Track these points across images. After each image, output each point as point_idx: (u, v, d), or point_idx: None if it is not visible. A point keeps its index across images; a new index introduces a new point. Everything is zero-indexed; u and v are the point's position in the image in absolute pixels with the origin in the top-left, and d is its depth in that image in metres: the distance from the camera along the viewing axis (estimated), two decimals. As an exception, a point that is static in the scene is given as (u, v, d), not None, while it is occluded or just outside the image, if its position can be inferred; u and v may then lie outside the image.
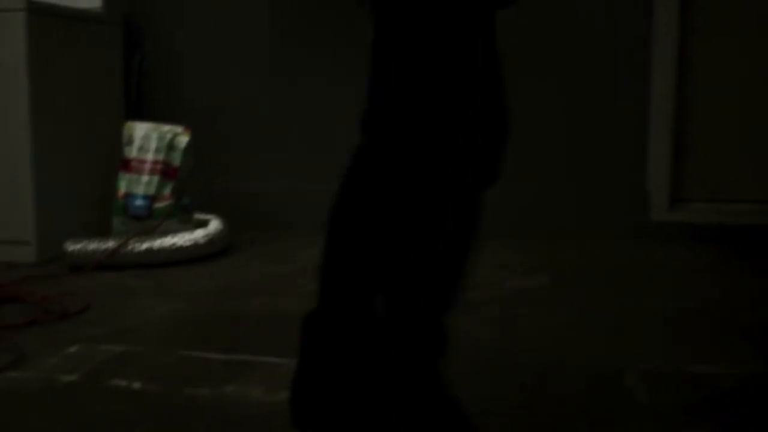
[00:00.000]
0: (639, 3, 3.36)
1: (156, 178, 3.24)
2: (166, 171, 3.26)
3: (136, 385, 1.90)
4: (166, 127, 3.32)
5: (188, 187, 3.34)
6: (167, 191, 3.24)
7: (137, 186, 3.23)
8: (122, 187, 3.24)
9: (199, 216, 3.36)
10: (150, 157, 3.26)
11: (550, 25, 3.43)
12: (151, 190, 3.22)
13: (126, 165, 3.27)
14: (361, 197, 1.59)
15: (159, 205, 3.22)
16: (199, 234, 3.18)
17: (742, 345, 2.15)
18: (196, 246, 3.14)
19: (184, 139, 3.30)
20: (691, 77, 3.42)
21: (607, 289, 2.72)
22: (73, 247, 3.06)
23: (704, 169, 3.46)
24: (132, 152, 3.27)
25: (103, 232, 3.23)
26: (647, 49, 3.38)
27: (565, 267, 3.02)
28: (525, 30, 3.41)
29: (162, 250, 3.09)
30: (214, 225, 3.27)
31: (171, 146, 3.28)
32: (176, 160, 3.28)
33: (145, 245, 3.08)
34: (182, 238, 3.13)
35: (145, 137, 3.28)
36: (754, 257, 3.13)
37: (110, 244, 3.06)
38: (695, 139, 3.45)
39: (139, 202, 3.21)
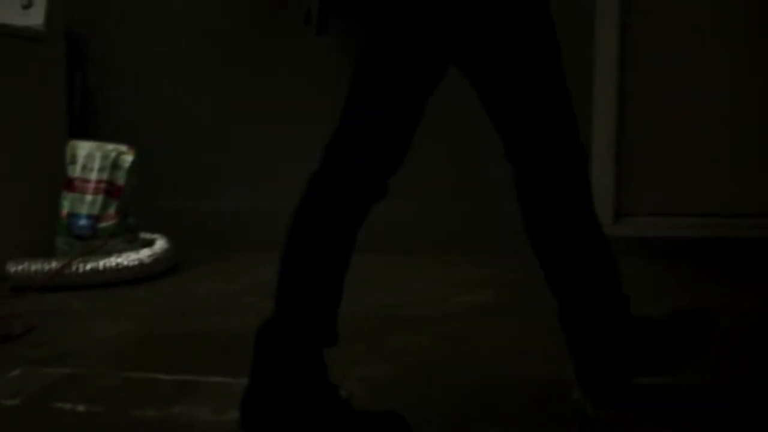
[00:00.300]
0: (580, 26, 3.42)
1: (100, 198, 3.20)
2: (110, 190, 3.22)
3: (81, 408, 1.87)
4: (110, 146, 3.28)
5: (133, 206, 3.31)
6: (111, 210, 3.21)
7: (81, 205, 3.19)
8: (65, 207, 3.19)
9: (145, 235, 3.33)
10: (94, 176, 3.22)
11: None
12: (95, 210, 3.18)
13: (69, 184, 3.22)
14: (317, 214, 1.62)
15: (103, 224, 3.18)
16: (144, 253, 3.14)
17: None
18: (141, 266, 3.11)
19: (128, 158, 3.27)
20: (633, 90, 3.48)
21: (553, 304, 2.74)
22: (15, 268, 3.00)
23: (647, 183, 3.51)
24: (75, 171, 3.23)
25: (47, 253, 3.17)
26: (588, 64, 3.43)
27: (510, 283, 3.04)
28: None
29: (107, 270, 3.05)
30: (160, 244, 3.24)
31: (115, 165, 3.25)
32: (120, 179, 3.25)
33: (89, 265, 3.04)
34: (127, 258, 3.10)
35: (89, 156, 3.24)
36: (698, 270, 3.18)
37: (54, 264, 3.02)
38: (638, 153, 3.51)
39: (82, 222, 3.17)
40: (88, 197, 3.20)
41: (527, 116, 1.72)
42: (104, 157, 3.24)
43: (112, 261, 3.06)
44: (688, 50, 3.45)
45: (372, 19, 1.71)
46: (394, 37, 1.65)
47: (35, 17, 3.38)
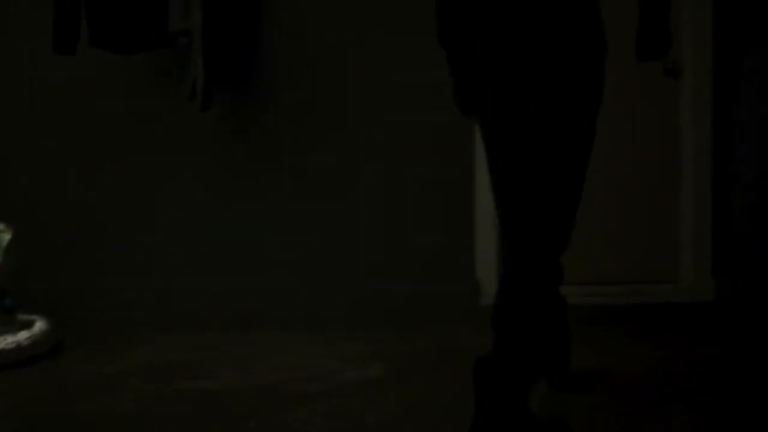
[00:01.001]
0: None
1: (-25, 278, 3.08)
2: (-14, 270, 3.11)
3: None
4: (-13, 225, 3.18)
5: (11, 287, 3.19)
6: (-13, 291, 3.09)
7: (-46, 287, 3.06)
8: (-63, 289, 3.06)
9: (23, 317, 3.21)
10: (-32, 255, 3.11)
11: (375, 121, 3.55)
12: (-30, 291, 3.06)
13: (-58, 265, 3.09)
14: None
15: (-22, 306, 3.05)
16: (22, 336, 3.02)
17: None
18: (19, 348, 2.98)
19: (5, 237, 3.17)
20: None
21: (440, 377, 2.77)
22: None
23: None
24: (-51, 251, 3.11)
25: None
26: (470, 141, 3.53)
27: (399, 357, 3.05)
28: (358, 120, 3.52)
29: (-19, 354, 2.92)
30: (39, 325, 3.12)
31: (-8, 244, 3.14)
32: (-3, 258, 3.14)
33: (-38, 349, 2.91)
34: (4, 341, 2.97)
35: (-36, 235, 3.13)
36: (580, 338, 3.26)
37: (-77, 349, 2.87)
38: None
39: (-44, 304, 3.04)
40: (-38, 278, 3.08)
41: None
42: (-20, 236, 3.14)
43: (-12, 344, 2.94)
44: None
45: None
46: None
47: None
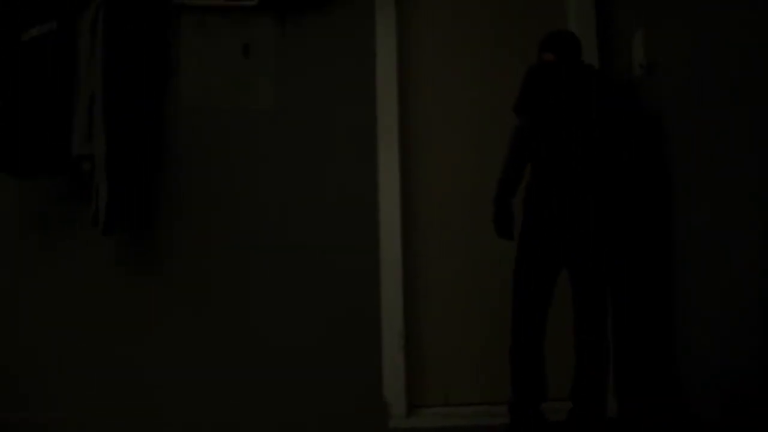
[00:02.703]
0: (364, 225, 3.58)
1: None
2: None
3: None
4: None
5: None
6: None
7: None
8: None
9: None
10: None
11: (281, 242, 3.56)
12: None
13: None
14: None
15: None
16: None
17: None
18: None
19: None
20: (417, 289, 3.64)
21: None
22: None
23: (437, 375, 3.61)
24: None
25: None
26: (376, 261, 3.56)
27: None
28: (262, 244, 3.51)
29: None
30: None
31: None
32: None
33: None
34: None
35: None
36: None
37: None
38: (426, 348, 3.62)
39: None
40: None
41: (598, 300, 3.06)
42: None
43: None
44: (465, 236, 3.66)
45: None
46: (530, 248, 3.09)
47: None
